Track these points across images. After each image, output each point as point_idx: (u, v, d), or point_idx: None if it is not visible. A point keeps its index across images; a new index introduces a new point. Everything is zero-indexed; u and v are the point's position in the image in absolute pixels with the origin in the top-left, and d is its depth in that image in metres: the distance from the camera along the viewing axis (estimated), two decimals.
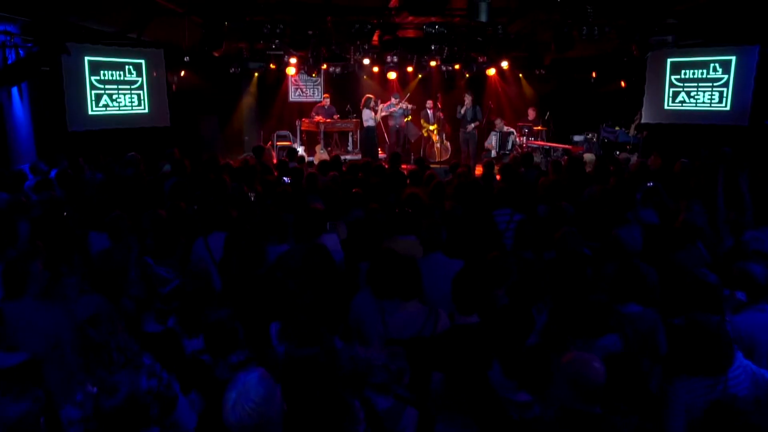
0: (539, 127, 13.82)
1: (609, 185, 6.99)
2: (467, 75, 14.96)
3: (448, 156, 14.36)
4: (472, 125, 12.52)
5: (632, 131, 12.07)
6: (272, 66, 13.50)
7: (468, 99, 12.45)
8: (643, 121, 11.35)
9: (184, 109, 12.48)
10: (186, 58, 12.08)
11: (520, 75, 15.08)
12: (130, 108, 10.70)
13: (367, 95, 12.94)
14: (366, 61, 12.36)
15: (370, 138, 12.87)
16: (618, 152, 12.49)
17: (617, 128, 12.88)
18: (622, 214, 5.75)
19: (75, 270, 3.85)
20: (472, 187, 6.62)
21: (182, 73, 12.61)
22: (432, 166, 10.28)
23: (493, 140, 12.13)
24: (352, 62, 12.45)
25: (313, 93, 15.44)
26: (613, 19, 7.69)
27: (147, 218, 5.21)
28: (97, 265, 4.32)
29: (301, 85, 15.33)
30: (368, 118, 12.58)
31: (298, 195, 6.13)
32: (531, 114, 14.08)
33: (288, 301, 3.71)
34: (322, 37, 9.07)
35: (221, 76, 13.39)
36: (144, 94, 10.91)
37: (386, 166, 8.95)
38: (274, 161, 9.94)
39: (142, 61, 10.80)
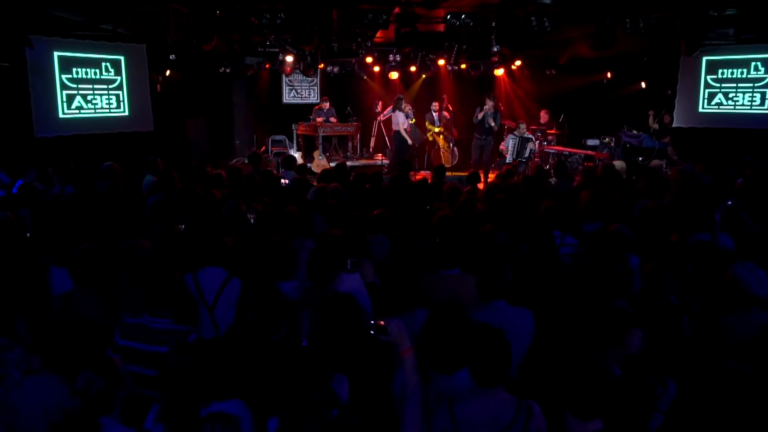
0: (553, 131, 12.88)
1: (666, 201, 6.06)
2: (472, 74, 14.01)
3: (455, 162, 13.37)
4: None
5: (652, 124, 11.02)
6: (266, 65, 12.45)
7: (489, 102, 11.35)
8: (674, 124, 10.42)
9: (169, 111, 11.44)
10: (172, 56, 11.07)
11: (530, 75, 14.15)
12: (107, 110, 9.53)
13: (399, 95, 11.69)
14: (369, 60, 11.34)
15: (403, 143, 11.68)
16: (640, 158, 11.60)
17: (634, 131, 11.96)
18: (690, 238, 4.81)
19: (21, 336, 2.77)
20: (516, 205, 5.60)
21: (167, 72, 11.57)
22: None
23: (510, 144, 11.11)
24: (353, 61, 11.43)
25: (309, 94, 14.39)
26: (663, 10, 6.75)
27: (127, 253, 4.11)
28: (49, 322, 3.25)
29: (296, 85, 14.26)
30: (399, 120, 11.36)
31: (305, 216, 5.09)
32: (543, 117, 13.12)
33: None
34: (327, 29, 8.02)
35: (210, 75, 12.40)
36: (123, 94, 9.75)
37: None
38: (273, 170, 8.86)
39: (122, 58, 9.64)
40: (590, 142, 13.51)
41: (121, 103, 9.69)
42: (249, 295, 3.01)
